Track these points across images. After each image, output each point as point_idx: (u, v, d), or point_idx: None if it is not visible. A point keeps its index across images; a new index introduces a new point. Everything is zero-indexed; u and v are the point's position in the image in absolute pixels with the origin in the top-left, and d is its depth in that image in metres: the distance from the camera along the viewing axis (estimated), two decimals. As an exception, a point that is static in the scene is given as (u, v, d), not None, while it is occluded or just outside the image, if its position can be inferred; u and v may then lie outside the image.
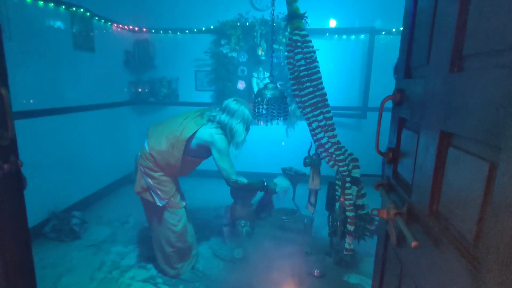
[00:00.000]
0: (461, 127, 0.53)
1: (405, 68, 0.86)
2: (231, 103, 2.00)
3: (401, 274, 0.81)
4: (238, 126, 1.96)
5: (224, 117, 1.96)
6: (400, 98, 0.87)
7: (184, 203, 2.13)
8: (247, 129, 2.05)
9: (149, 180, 1.93)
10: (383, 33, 3.82)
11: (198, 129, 1.92)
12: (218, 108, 2.03)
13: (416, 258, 0.71)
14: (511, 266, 0.39)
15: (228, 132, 1.95)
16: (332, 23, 3.91)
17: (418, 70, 0.79)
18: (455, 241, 0.54)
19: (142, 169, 1.94)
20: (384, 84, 4.08)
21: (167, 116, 2.17)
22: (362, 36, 3.89)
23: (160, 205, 1.96)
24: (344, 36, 3.94)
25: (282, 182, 2.30)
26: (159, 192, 1.94)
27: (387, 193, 0.92)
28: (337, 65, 3.94)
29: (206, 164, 2.33)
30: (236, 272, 2.27)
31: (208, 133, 1.91)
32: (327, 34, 3.94)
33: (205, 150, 2.01)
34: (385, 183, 0.95)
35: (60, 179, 2.90)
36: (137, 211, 2.66)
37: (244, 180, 2.05)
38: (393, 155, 0.91)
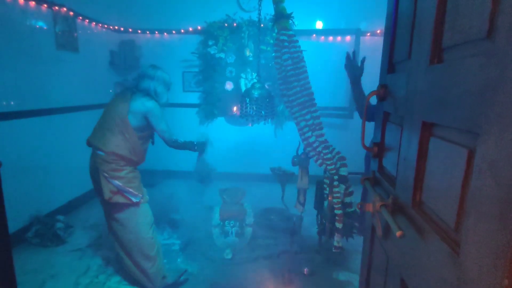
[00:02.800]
0: (441, 116, 0.54)
1: (388, 64, 0.88)
2: (148, 69, 2.06)
3: (387, 265, 0.83)
4: (159, 88, 2.03)
5: (145, 83, 2.00)
6: (383, 93, 0.88)
7: (147, 197, 2.11)
8: (168, 91, 2.12)
9: (117, 182, 1.90)
10: (368, 34, 3.90)
11: (128, 105, 1.94)
12: (136, 78, 2.07)
13: (401, 249, 0.72)
14: (488, 248, 0.40)
15: (153, 95, 2.01)
16: (319, 24, 3.96)
17: (401, 65, 0.81)
18: (437, 228, 0.55)
19: (105, 175, 1.90)
20: (370, 84, 4.18)
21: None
22: (348, 37, 3.96)
23: (137, 200, 1.96)
24: (331, 37, 3.99)
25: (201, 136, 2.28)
26: (131, 190, 1.94)
27: (373, 187, 0.93)
28: (323, 66, 3.99)
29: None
30: (226, 273, 2.25)
31: (140, 103, 1.93)
32: (314, 35, 3.98)
33: (144, 122, 2.00)
34: (371, 178, 0.96)
35: (44, 182, 2.81)
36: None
37: (181, 139, 2.11)
38: (378, 150, 0.93)
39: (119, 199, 1.92)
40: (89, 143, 1.99)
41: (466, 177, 0.46)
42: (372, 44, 3.93)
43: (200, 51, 3.97)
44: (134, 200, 1.94)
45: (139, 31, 4.04)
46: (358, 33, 3.87)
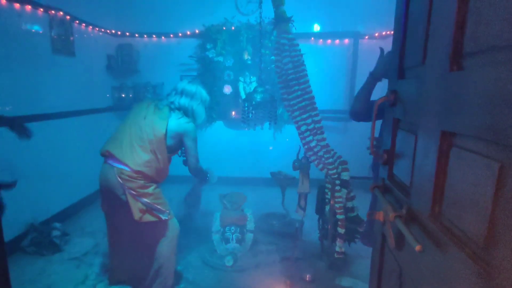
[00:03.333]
0: (465, 126, 0.51)
1: (398, 69, 0.85)
2: (187, 85, 1.95)
3: (401, 278, 0.80)
4: (199, 108, 1.95)
5: (184, 101, 1.90)
6: (394, 99, 0.86)
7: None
8: (206, 110, 2.05)
9: (146, 200, 1.77)
10: (367, 37, 3.90)
11: (167, 123, 1.83)
12: (173, 93, 1.95)
13: (417, 261, 0.69)
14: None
15: (190, 115, 1.92)
16: (316, 28, 3.95)
17: (413, 71, 0.79)
18: (461, 243, 0.52)
19: (133, 192, 1.74)
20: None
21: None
22: (347, 40, 3.95)
23: (167, 218, 1.84)
24: (329, 40, 3.99)
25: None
26: (159, 207, 1.80)
27: (383, 195, 0.90)
28: (322, 69, 3.98)
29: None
30: (227, 280, 2.21)
31: (178, 124, 1.85)
32: (312, 38, 3.97)
33: (178, 143, 1.93)
34: (381, 185, 0.93)
35: (39, 189, 2.75)
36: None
37: (203, 166, 2.08)
38: (388, 157, 0.90)
39: (149, 218, 1.79)
40: (109, 154, 1.80)
41: (498, 192, 0.43)
42: (371, 46, 3.93)
43: (198, 54, 3.94)
44: (163, 217, 1.82)
45: (137, 35, 4.01)
46: (356, 36, 3.87)
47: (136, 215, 1.75)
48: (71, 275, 2.25)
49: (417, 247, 0.58)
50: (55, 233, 2.59)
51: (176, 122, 1.84)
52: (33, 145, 2.71)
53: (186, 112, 1.90)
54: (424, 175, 0.65)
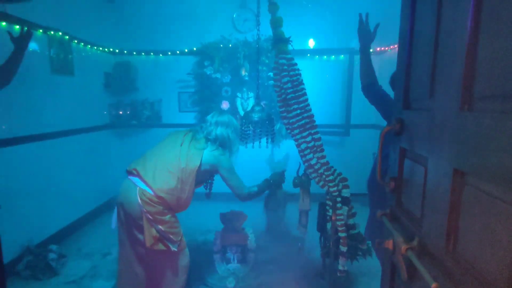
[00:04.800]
0: (480, 168, 0.52)
1: (403, 99, 0.87)
2: (219, 116, 2.01)
3: (414, 310, 0.79)
4: (233, 135, 2.02)
5: (220, 131, 1.96)
6: (399, 128, 0.87)
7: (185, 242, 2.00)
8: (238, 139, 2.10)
9: (161, 227, 1.73)
10: (362, 53, 3.97)
11: (202, 154, 1.86)
12: (208, 124, 2.00)
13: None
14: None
15: (227, 143, 1.97)
16: (311, 42, 4.03)
17: (420, 103, 0.80)
18: (479, 284, 0.52)
19: (150, 217, 1.69)
20: (365, 102, 4.22)
21: (149, 139, 2.06)
22: (342, 56, 4.03)
23: (176, 249, 1.80)
24: (325, 57, 4.06)
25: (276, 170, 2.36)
26: (171, 236, 1.77)
27: (391, 223, 0.90)
28: (319, 85, 4.03)
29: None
30: (229, 303, 2.17)
31: (212, 156, 1.88)
32: (308, 54, 4.04)
33: (207, 175, 1.96)
34: (388, 213, 0.94)
35: (36, 209, 2.70)
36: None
37: (254, 189, 2.09)
38: (395, 185, 0.91)
39: (159, 246, 1.76)
40: (137, 173, 1.77)
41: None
42: (366, 62, 4.00)
43: (195, 71, 3.98)
44: (172, 249, 1.78)
45: (135, 53, 4.03)
46: (351, 52, 3.94)
47: (149, 241, 1.70)
48: (68, 300, 2.18)
49: (434, 286, 0.58)
50: (52, 255, 2.53)
51: (211, 154, 1.88)
52: (30, 165, 2.68)
53: (223, 142, 1.95)
54: (437, 210, 0.65)
